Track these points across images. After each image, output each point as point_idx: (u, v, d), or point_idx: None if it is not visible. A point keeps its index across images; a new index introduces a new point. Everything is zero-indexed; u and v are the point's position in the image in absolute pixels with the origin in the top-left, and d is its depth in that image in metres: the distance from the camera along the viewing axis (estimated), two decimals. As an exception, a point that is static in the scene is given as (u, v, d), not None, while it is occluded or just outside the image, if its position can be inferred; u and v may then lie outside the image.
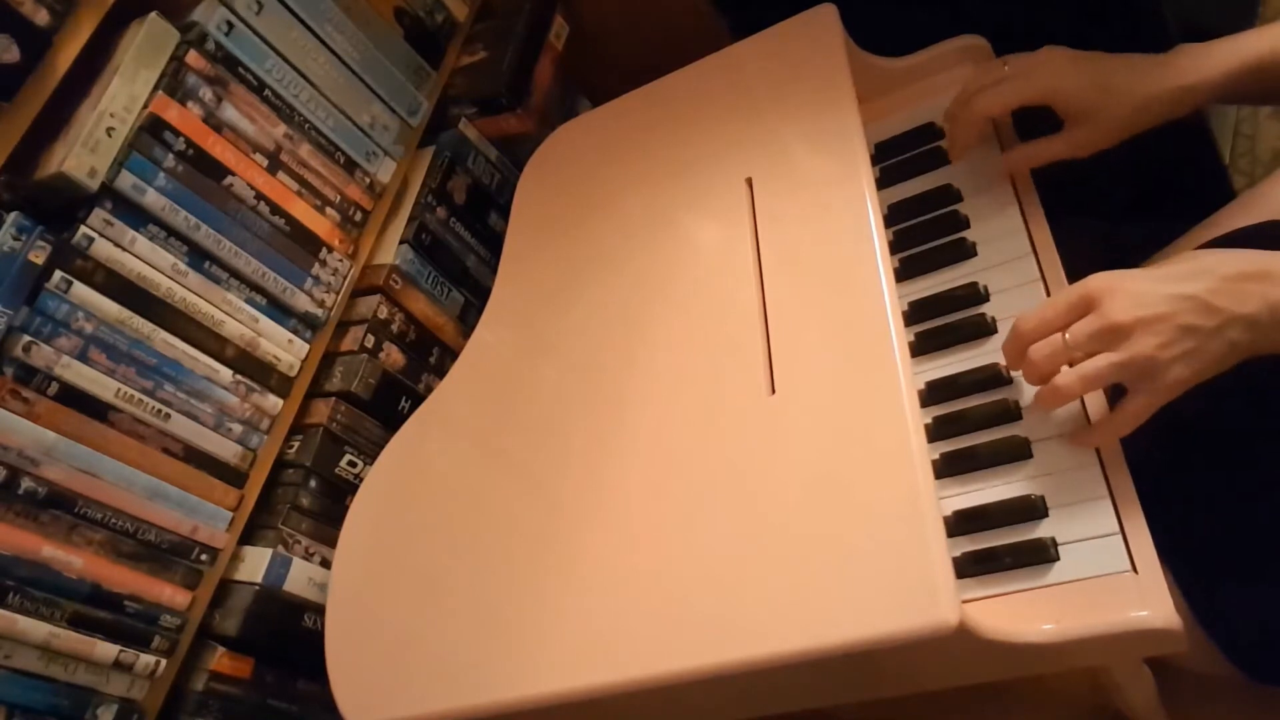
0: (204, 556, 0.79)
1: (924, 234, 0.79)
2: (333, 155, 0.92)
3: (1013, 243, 0.74)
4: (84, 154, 0.73)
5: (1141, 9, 0.89)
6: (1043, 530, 0.61)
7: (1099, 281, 0.59)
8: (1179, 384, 0.57)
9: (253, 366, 0.84)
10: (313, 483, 0.87)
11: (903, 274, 0.77)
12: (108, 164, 0.74)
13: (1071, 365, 0.60)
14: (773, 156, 0.78)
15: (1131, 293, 0.58)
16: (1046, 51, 0.74)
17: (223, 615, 0.81)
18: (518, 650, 0.64)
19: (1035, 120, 0.75)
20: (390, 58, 0.98)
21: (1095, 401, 0.64)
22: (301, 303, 0.88)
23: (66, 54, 0.74)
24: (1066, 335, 0.59)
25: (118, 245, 0.75)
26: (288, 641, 0.83)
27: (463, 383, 0.86)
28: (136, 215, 0.77)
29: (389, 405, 0.93)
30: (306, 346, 0.88)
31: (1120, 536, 0.58)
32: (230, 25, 0.83)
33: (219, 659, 0.79)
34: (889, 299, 0.63)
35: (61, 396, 0.72)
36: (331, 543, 0.84)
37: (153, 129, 0.77)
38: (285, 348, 0.87)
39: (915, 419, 0.58)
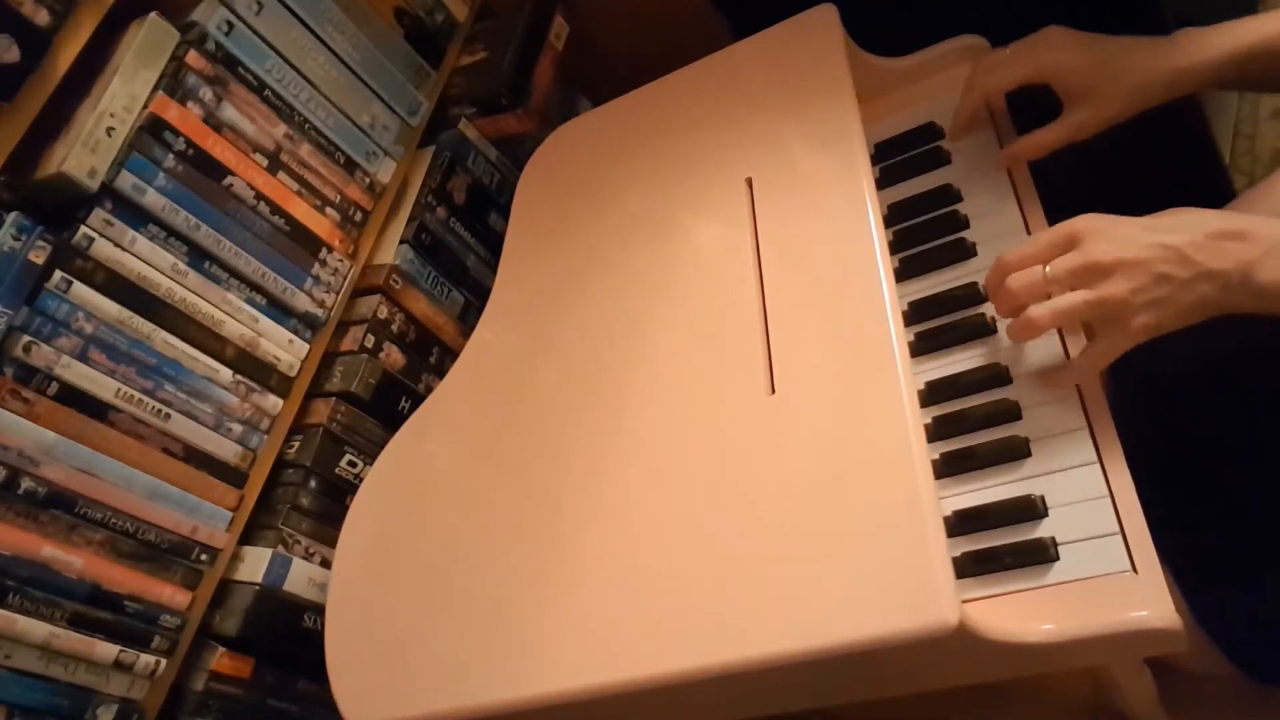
0: (204, 556, 0.79)
1: (924, 234, 0.79)
2: (333, 155, 0.92)
3: (1013, 243, 0.74)
4: (84, 154, 0.73)
5: (1140, 9, 0.89)
6: (1043, 530, 0.61)
7: (1085, 221, 0.61)
8: (1145, 330, 0.59)
9: (253, 366, 0.84)
10: (313, 483, 0.86)
11: (903, 274, 0.77)
12: (108, 164, 0.74)
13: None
14: (773, 156, 0.78)
15: (1114, 235, 0.60)
16: (1048, 31, 0.74)
17: (223, 615, 0.81)
18: (518, 650, 0.64)
19: (1033, 118, 0.75)
20: (390, 58, 0.98)
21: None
22: (301, 303, 0.88)
23: (66, 54, 0.74)
24: (1046, 269, 0.61)
25: (118, 245, 0.75)
26: (288, 641, 0.83)
27: (463, 383, 0.86)
28: (136, 215, 0.77)
29: (389, 405, 0.93)
30: (306, 346, 0.88)
31: (1120, 536, 0.58)
32: (230, 25, 0.83)
33: (219, 659, 0.79)
34: (889, 299, 0.63)
35: (61, 396, 0.72)
36: (331, 543, 0.84)
37: (153, 129, 0.77)
38: (285, 348, 0.87)
39: (915, 419, 0.58)
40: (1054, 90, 0.74)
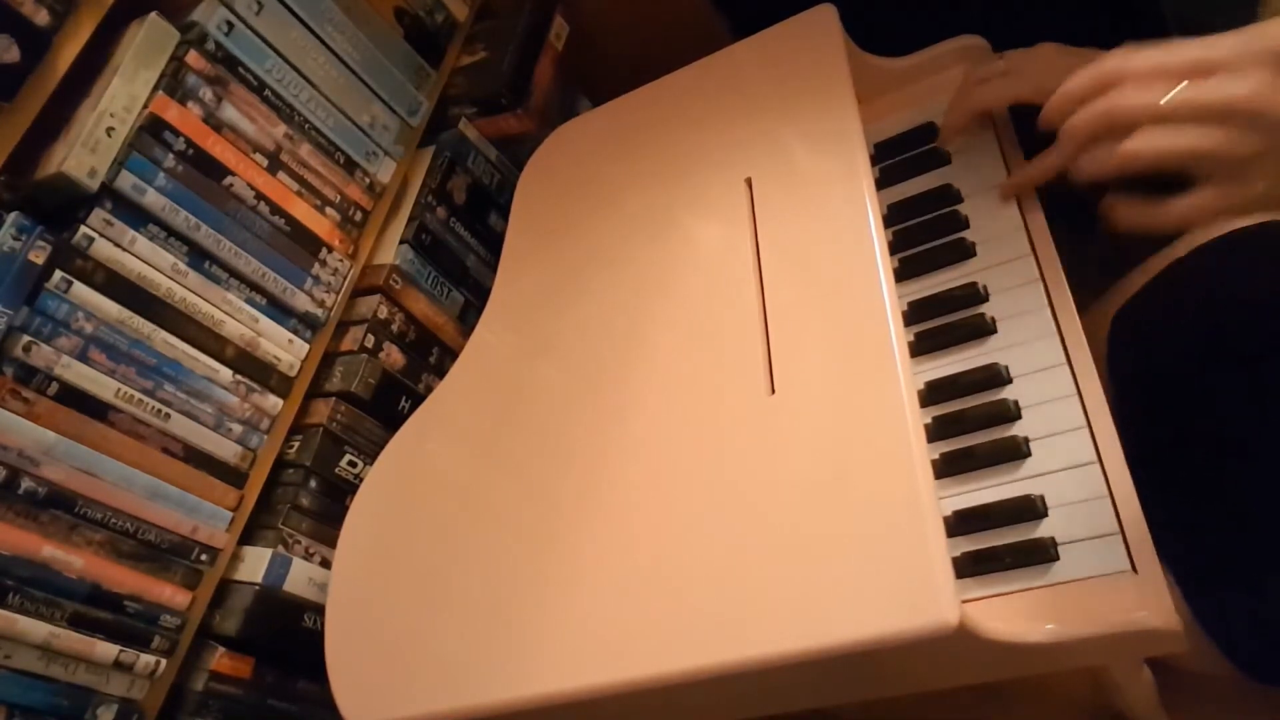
0: (204, 556, 0.79)
1: (924, 234, 0.79)
2: (333, 155, 0.92)
3: (1013, 243, 0.74)
4: (84, 154, 0.73)
5: (1140, 8, 0.89)
6: (1043, 530, 0.61)
7: (1231, 52, 0.51)
8: (1257, 200, 0.51)
9: (253, 366, 0.84)
10: (313, 483, 0.87)
11: (903, 274, 0.77)
12: (108, 164, 0.74)
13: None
14: (773, 156, 0.78)
15: (1267, 82, 0.49)
16: (1042, 49, 0.74)
17: (223, 615, 0.81)
18: (518, 650, 0.64)
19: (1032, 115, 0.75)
20: (390, 58, 0.98)
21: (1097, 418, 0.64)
22: (301, 303, 0.88)
23: (66, 54, 0.74)
24: (1174, 91, 0.50)
25: (118, 245, 0.75)
26: (288, 641, 0.83)
27: (463, 383, 0.86)
28: (136, 215, 0.77)
29: (389, 405, 0.93)
30: (306, 346, 0.88)
31: (1120, 536, 0.58)
32: (230, 25, 0.83)
33: (219, 659, 0.79)
34: (889, 299, 0.63)
35: (61, 396, 0.71)
36: (331, 543, 0.84)
37: (153, 129, 0.77)
38: (285, 348, 0.87)
39: (915, 419, 0.58)
40: None
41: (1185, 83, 0.50)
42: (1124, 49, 0.53)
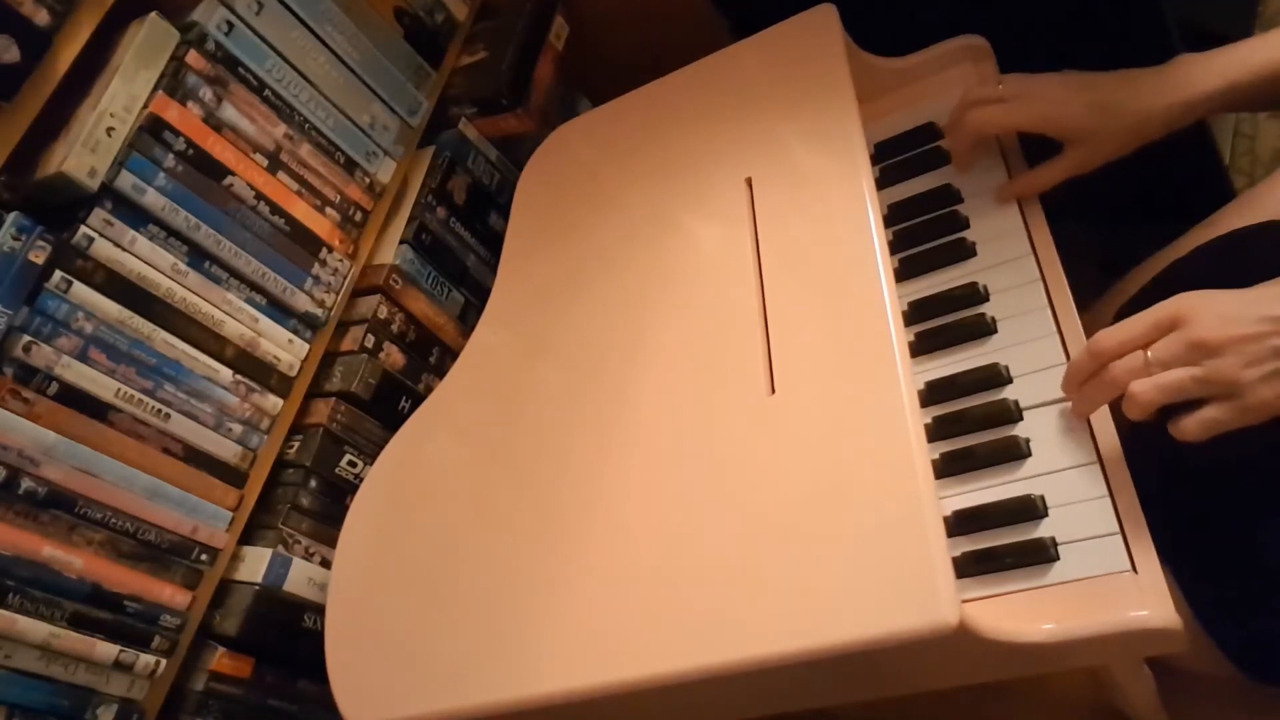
0: (204, 556, 0.79)
1: (924, 234, 0.79)
2: (333, 155, 0.92)
3: (1013, 243, 0.74)
4: (84, 154, 0.73)
5: (1140, 8, 0.89)
6: (1043, 530, 0.61)
7: (1185, 301, 0.58)
8: (1265, 406, 0.56)
9: (253, 366, 0.84)
10: (313, 483, 0.86)
11: (903, 274, 0.77)
12: (108, 164, 0.74)
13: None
14: (773, 156, 0.78)
15: (1219, 312, 0.57)
16: (1042, 79, 0.74)
17: (223, 615, 0.81)
18: (518, 650, 0.64)
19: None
20: (390, 58, 0.98)
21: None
22: (301, 303, 0.88)
23: (66, 54, 0.74)
24: (1149, 352, 0.58)
25: (118, 245, 0.75)
26: (288, 641, 0.83)
27: (463, 382, 0.86)
28: (136, 215, 0.77)
29: (389, 405, 0.93)
30: (306, 346, 0.88)
31: (1120, 536, 0.58)
32: (230, 25, 0.83)
33: (219, 659, 0.79)
34: (889, 299, 0.63)
35: (61, 396, 0.71)
36: (331, 543, 0.84)
37: (153, 129, 0.77)
38: (285, 348, 0.87)
39: (915, 419, 0.58)
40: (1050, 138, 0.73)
41: (1154, 345, 0.58)
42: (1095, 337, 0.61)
